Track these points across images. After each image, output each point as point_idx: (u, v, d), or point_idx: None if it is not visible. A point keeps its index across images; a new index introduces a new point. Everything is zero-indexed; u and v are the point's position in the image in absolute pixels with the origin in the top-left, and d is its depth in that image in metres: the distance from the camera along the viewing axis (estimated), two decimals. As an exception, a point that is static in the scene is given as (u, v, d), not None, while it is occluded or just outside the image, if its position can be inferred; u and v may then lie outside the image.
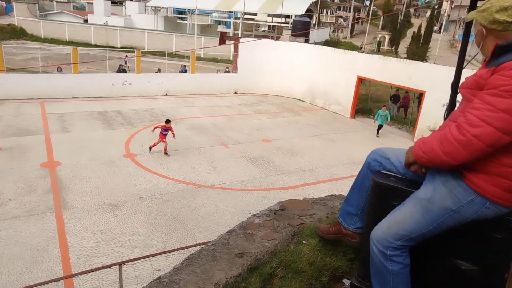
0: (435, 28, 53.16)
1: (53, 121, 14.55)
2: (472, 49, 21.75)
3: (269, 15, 46.54)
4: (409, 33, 50.52)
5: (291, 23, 34.17)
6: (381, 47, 48.48)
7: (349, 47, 39.12)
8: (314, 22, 43.55)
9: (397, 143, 15.36)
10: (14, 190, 9.16)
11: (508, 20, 1.59)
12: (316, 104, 20.71)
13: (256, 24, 50.28)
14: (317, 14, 48.88)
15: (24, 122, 14.15)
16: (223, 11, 46.26)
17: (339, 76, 19.01)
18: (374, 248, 1.86)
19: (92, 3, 46.54)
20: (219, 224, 8.28)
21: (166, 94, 20.20)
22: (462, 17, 47.44)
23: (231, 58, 27.57)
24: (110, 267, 5.08)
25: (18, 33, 40.19)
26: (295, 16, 32.89)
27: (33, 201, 8.74)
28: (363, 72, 18.06)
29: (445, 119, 2.42)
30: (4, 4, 51.51)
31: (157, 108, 17.56)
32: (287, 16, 42.20)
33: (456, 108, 1.92)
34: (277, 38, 28.17)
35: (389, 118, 15.94)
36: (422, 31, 43.22)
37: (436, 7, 58.76)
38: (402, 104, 19.94)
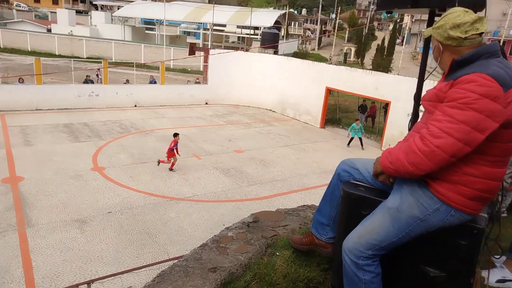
0: (398, 40, 55.41)
1: (15, 134, 13.91)
2: (432, 61, 22.79)
3: (238, 27, 46.95)
4: (374, 45, 52.37)
5: (260, 35, 34.61)
6: (347, 59, 49.91)
7: (317, 59, 40.00)
8: (282, 34, 44.28)
9: (365, 152, 15.77)
10: (-29, 208, 8.65)
11: (461, 36, 1.68)
12: (287, 115, 20.96)
13: (226, 35, 50.55)
14: (285, 26, 49.78)
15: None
16: (192, 22, 46.21)
17: (309, 87, 19.38)
18: (346, 258, 1.89)
19: (55, 12, 45.27)
20: (192, 237, 8.15)
21: (136, 106, 19.84)
22: (422, 30, 49.74)
23: (201, 69, 27.52)
24: (77, 287, 4.87)
25: (-26, 43, 38.40)
26: (264, 28, 33.38)
27: (-7, 219, 8.28)
28: (332, 83, 18.50)
29: (409, 129, 2.52)
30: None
31: (126, 119, 17.19)
32: (256, 28, 42.73)
33: (419, 119, 2.00)
34: (247, 50, 28.43)
35: (363, 131, 16.33)
36: (386, 44, 44.95)
37: (398, 21, 61.38)
38: (370, 114, 20.57)
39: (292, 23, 61.57)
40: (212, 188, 10.76)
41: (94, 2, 59.34)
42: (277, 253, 2.61)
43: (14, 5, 55.49)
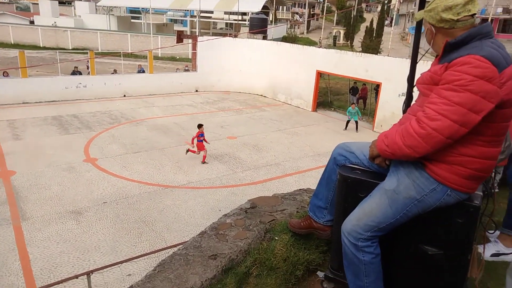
0: (386, 22, 55.21)
1: (2, 128, 13.70)
2: (424, 42, 22.80)
3: (225, 13, 46.27)
4: (363, 27, 52.11)
5: (248, 21, 34.19)
6: (337, 42, 49.66)
7: (306, 43, 39.78)
8: (271, 19, 43.80)
9: (358, 134, 15.86)
10: (-36, 204, 8.56)
11: (454, 18, 1.67)
12: (278, 99, 20.93)
13: (213, 22, 49.83)
14: (273, 10, 49.19)
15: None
16: (178, 10, 45.39)
17: (299, 71, 19.31)
18: (345, 240, 1.92)
19: (37, 4, 44.08)
20: (189, 224, 8.20)
21: (125, 96, 19.60)
22: (411, 11, 49.58)
23: (189, 57, 27.20)
24: (77, 278, 4.89)
25: (-47, 36, 37.35)
26: (252, 13, 32.93)
27: (-13, 214, 8.22)
28: (322, 66, 18.46)
29: (404, 111, 2.54)
30: None
31: (115, 110, 17.00)
32: (244, 14, 42.17)
33: (414, 102, 2.02)
34: (235, 36, 28.12)
35: (359, 115, 16.40)
36: (375, 25, 44.74)
37: (386, 2, 61.02)
38: (361, 96, 20.63)
39: (280, 7, 60.83)
40: (207, 175, 10.79)
41: (77, -9, 57.84)
42: (276, 238, 2.64)
43: (-6, -4, 53.92)
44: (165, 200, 9.22)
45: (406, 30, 52.95)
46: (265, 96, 21.67)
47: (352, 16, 51.00)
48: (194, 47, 21.67)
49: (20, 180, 9.81)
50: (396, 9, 59.89)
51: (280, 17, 59.44)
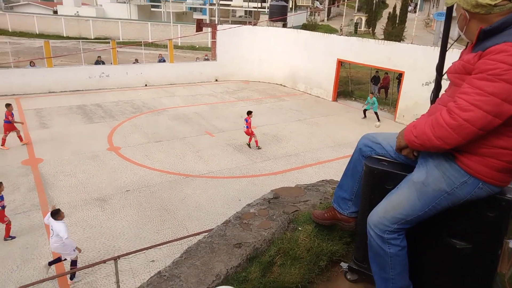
0: (410, 8, 53.58)
1: (31, 117, 14.14)
2: (452, 29, 22.03)
3: (245, 0, 45.91)
4: (385, 13, 50.81)
5: (268, 8, 33.83)
6: (358, 29, 48.62)
7: (327, 30, 39.13)
8: (290, 6, 43.21)
9: (379, 124, 15.58)
10: (-5, 190, 8.93)
11: (491, 3, 1.59)
12: (298, 89, 20.76)
13: (233, 9, 49.57)
14: (294, -3, 48.47)
15: (0, 120, 13.69)
16: (198, -3, 45.35)
17: (319, 59, 19.05)
18: (371, 232, 1.91)
19: (60, -7, 44.86)
20: (210, 213, 8.32)
21: (146, 85, 19.86)
22: (437, -5, 47.92)
23: (209, 46, 27.20)
24: (105, 262, 5.06)
25: (-18, 27, 38.50)
26: (272, 0, 32.54)
27: (17, 199, 8.56)
28: (343, 54, 18.14)
29: (431, 102, 2.48)
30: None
31: (137, 99, 17.27)
32: (263, 1, 41.75)
33: (443, 92, 1.96)
34: (255, 24, 27.92)
35: (376, 104, 16.10)
36: (398, 11, 43.51)
37: (411, -14, 59.14)
38: (383, 85, 20.20)
39: (300, -7, 59.79)
40: (227, 165, 10.87)
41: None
42: (300, 228, 2.65)
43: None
44: (186, 189, 9.37)
45: (431, 16, 51.31)
46: (284, 86, 21.54)
47: (374, 2, 49.73)
48: (214, 35, 21.65)
49: (48, 168, 10.15)
50: (420, -6, 57.97)
51: (300, 4, 58.51)
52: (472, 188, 1.69)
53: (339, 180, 2.52)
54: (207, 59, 23.23)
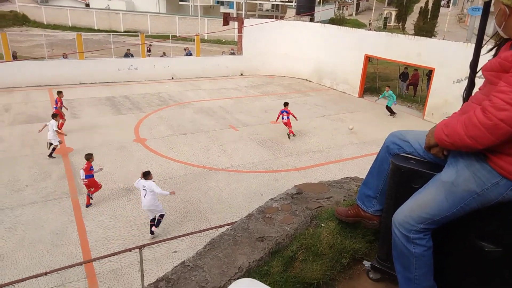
0: (443, 2, 51.76)
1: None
2: (489, 25, 21.19)
3: (272, -6, 45.64)
4: (416, 8, 49.25)
5: (295, 2, 33.51)
6: (387, 24, 47.47)
7: (355, 25, 38.39)
8: (318, 0, 42.64)
9: (407, 122, 15.25)
10: (29, 176, 9.34)
11: None
12: (324, 84, 20.53)
13: (259, 3, 49.39)
14: (322, -9, 47.75)
15: (34, 109, 14.27)
16: (226, -9, 45.43)
17: (346, 55, 18.75)
18: (396, 232, 1.88)
19: (92, -13, 45.87)
20: (232, 206, 8.40)
21: (172, 78, 20.15)
22: (472, -11, 46.07)
23: (235, 39, 27.24)
24: (130, 251, 5.21)
25: (20, 20, 39.94)
26: (300, -6, 32.14)
27: (49, 186, 8.91)
28: (371, 50, 17.78)
29: (464, 100, 2.40)
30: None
31: (164, 92, 17.56)
32: (291, -6, 41.34)
33: (476, 90, 1.90)
34: (282, 18, 27.73)
35: (394, 97, 15.67)
36: (430, 6, 42.11)
37: (444, -20, 57.09)
38: (411, 82, 19.67)
39: (329, -13, 58.88)
40: (250, 159, 10.92)
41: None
42: (322, 224, 2.64)
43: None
44: (209, 182, 9.48)
45: (465, 11, 49.44)
46: (310, 81, 21.34)
47: (405, -4, 48.31)
48: (240, 30, 21.67)
49: (77, 157, 10.49)
50: (454, -12, 55.92)
51: (328, -2, 57.62)
52: (504, 189, 1.63)
53: (363, 177, 2.49)
54: (233, 53, 23.30)
